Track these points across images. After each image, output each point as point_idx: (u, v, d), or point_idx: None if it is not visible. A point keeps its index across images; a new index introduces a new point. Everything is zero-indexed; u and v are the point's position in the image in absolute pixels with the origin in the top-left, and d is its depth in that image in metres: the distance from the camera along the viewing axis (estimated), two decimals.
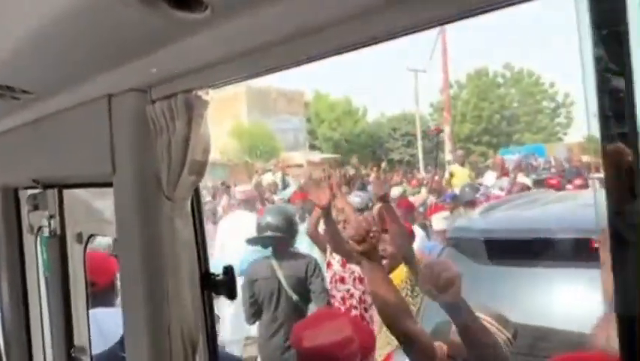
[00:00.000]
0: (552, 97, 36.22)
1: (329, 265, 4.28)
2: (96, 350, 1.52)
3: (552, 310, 2.40)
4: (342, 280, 4.16)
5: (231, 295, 1.16)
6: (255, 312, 3.85)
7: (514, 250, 2.54)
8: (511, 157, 15.36)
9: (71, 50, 0.94)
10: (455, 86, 33.92)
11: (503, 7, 0.63)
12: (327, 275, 4.22)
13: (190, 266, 1.12)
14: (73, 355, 1.40)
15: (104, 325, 1.67)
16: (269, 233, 3.81)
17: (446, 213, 5.16)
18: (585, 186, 7.11)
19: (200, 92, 1.13)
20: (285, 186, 8.11)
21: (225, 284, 1.15)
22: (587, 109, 0.56)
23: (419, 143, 29.49)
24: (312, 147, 30.63)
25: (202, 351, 1.13)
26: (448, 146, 22.13)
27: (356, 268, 3.88)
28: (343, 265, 4.03)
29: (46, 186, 1.39)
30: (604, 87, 0.50)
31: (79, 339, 1.40)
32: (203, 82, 1.09)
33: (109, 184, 1.12)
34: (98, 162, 1.12)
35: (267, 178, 11.62)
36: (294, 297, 3.80)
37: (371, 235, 1.64)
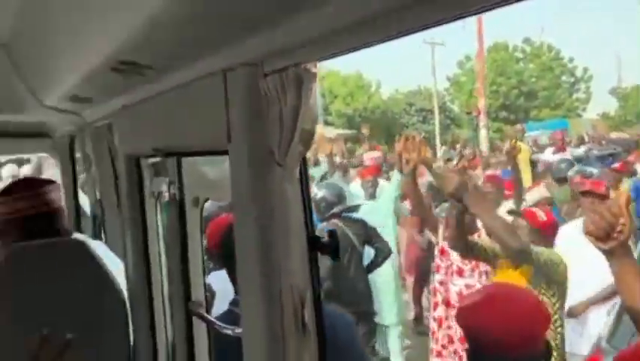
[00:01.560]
0: (571, 72, 35.63)
1: (442, 252, 3.63)
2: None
3: None
4: (460, 272, 3.55)
5: (335, 256, 1.24)
6: None
7: None
8: (536, 133, 15.20)
9: (189, 27, 1.00)
10: (473, 60, 33.42)
11: None
12: (442, 265, 3.66)
13: (298, 229, 1.20)
14: (190, 308, 1.51)
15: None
16: (338, 208, 4.46)
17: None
18: None
19: (309, 66, 1.19)
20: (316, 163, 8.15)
21: (330, 246, 1.23)
22: None
23: (436, 119, 29.18)
24: (326, 123, 30.45)
25: (309, 307, 1.22)
26: (482, 120, 21.07)
27: None
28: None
29: (166, 155, 1.47)
30: None
31: (195, 294, 1.51)
32: (312, 56, 1.15)
33: (224, 152, 1.19)
34: (214, 131, 1.19)
35: None
36: (361, 251, 4.39)
37: (619, 228, 1.38)
